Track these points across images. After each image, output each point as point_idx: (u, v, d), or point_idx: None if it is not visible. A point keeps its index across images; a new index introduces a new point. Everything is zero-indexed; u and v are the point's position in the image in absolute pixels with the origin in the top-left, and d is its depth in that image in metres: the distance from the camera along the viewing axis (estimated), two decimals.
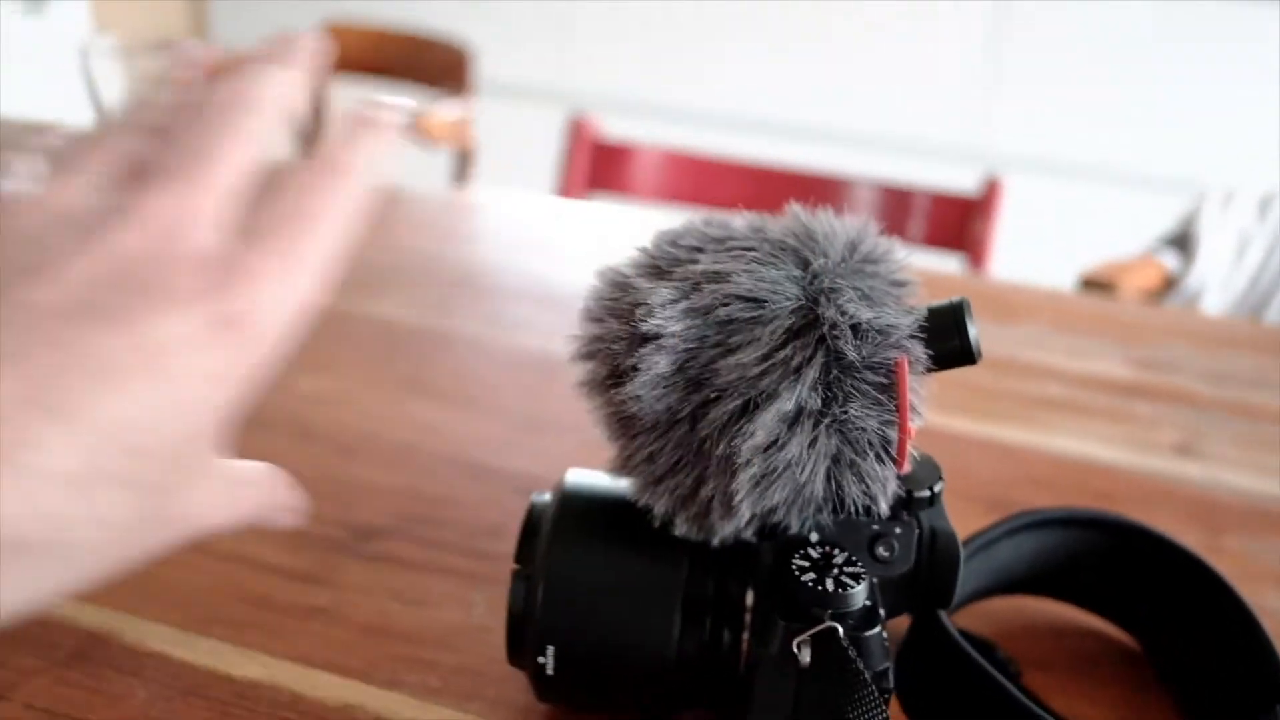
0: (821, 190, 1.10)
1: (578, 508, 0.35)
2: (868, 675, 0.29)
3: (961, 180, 1.19)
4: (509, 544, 0.47)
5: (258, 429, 0.55)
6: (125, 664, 0.39)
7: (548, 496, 0.37)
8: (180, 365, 0.23)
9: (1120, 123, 2.07)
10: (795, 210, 0.33)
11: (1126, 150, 2.08)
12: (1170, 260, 1.22)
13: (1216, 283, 1.18)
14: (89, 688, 0.37)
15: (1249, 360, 0.73)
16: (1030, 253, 1.58)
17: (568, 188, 1.15)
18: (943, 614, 0.35)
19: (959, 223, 1.06)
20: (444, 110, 1.49)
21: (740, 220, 0.34)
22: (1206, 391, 0.67)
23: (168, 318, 0.23)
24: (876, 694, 0.28)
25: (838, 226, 0.32)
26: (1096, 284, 1.08)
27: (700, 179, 1.14)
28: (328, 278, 0.26)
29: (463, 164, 1.57)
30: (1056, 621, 0.44)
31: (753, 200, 1.16)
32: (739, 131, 2.25)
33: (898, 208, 1.08)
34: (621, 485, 0.36)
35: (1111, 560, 0.42)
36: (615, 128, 1.20)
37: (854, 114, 2.21)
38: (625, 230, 0.89)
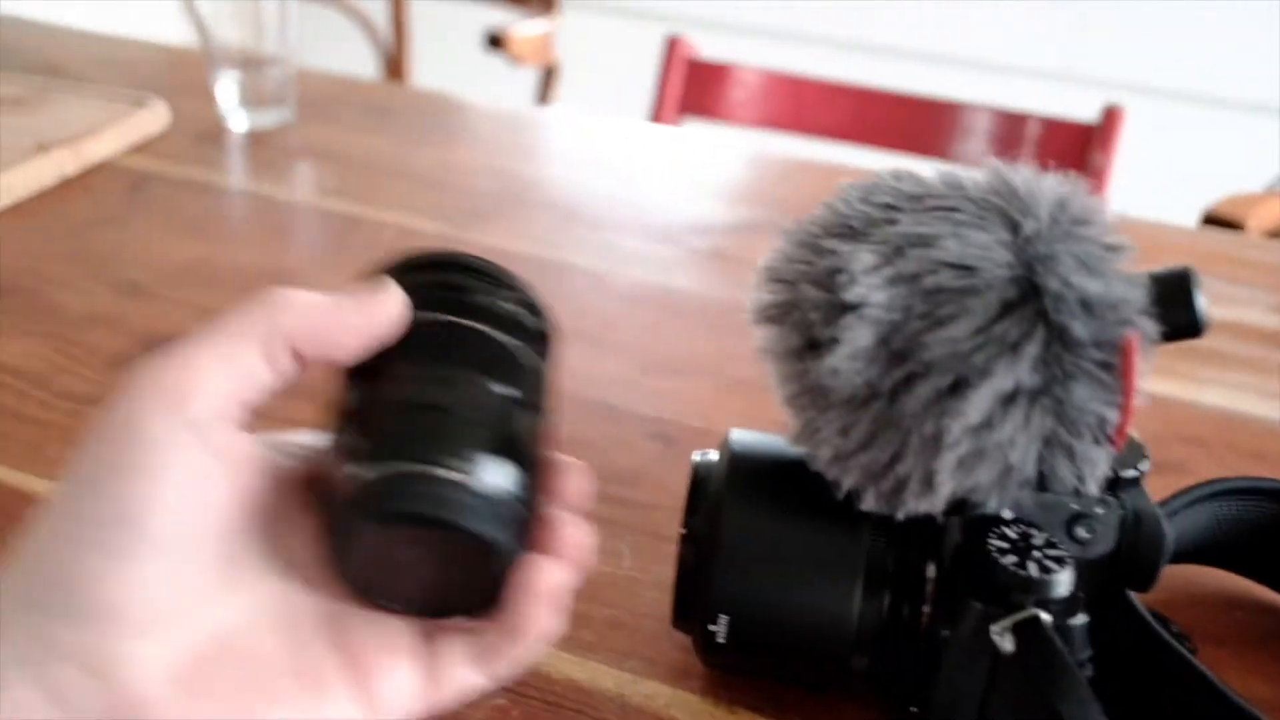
0: (931, 115, 1.06)
1: (748, 470, 0.34)
2: (1077, 669, 0.27)
3: (1062, 106, 1.13)
4: (649, 492, 0.47)
5: None
6: None
7: (712, 456, 0.36)
8: None
9: (1236, 48, 1.94)
10: (994, 164, 0.31)
11: (1246, 75, 1.95)
12: None
13: None
14: None
15: None
16: (1145, 185, 1.50)
17: (661, 111, 1.12)
18: (1132, 595, 0.34)
19: (1076, 152, 1.01)
20: (528, 26, 1.45)
21: (932, 174, 0.31)
22: None
23: None
24: (1088, 688, 0.27)
25: (1043, 183, 0.30)
26: (1221, 221, 1.02)
27: (801, 103, 1.10)
28: None
29: (546, 81, 1.54)
30: (1228, 593, 0.42)
31: (858, 127, 1.11)
32: (837, 51, 2.15)
33: (1010, 134, 1.03)
34: (787, 448, 0.35)
35: None
36: (705, 46, 1.15)
37: (960, 35, 2.10)
38: (731, 160, 0.86)
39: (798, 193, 0.81)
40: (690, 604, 0.33)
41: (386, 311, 0.27)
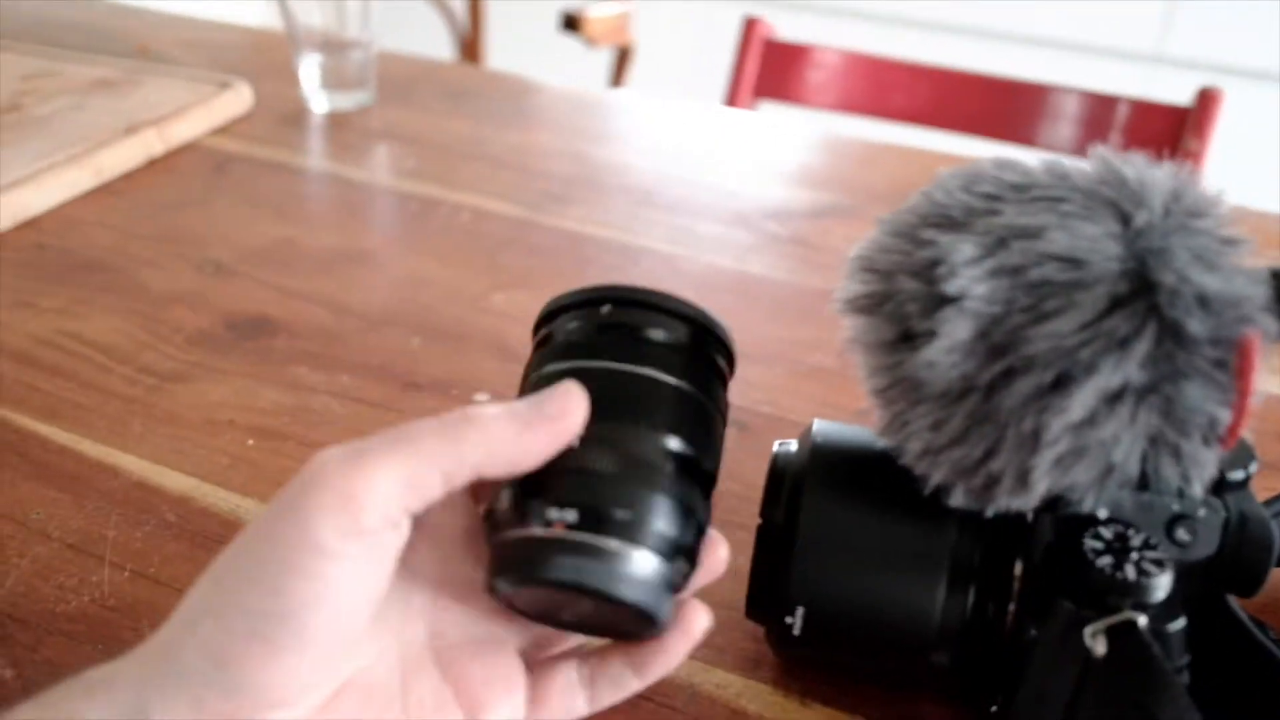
0: (1016, 98, 1.03)
1: (830, 461, 0.33)
2: (1174, 675, 0.26)
3: (1151, 89, 1.08)
4: (723, 479, 0.46)
5: (457, 347, 0.55)
6: None
7: (791, 446, 0.35)
8: None
9: None
10: (1102, 154, 0.30)
11: None
12: None
13: None
14: None
15: None
16: (1237, 170, 1.44)
17: (737, 93, 1.10)
18: (1232, 600, 0.32)
19: (1168, 137, 0.97)
20: (604, 7, 1.45)
21: (1037, 163, 0.30)
22: None
23: None
24: (1186, 695, 0.26)
25: (1155, 174, 0.29)
26: None
27: (881, 85, 1.07)
28: None
29: (621, 63, 1.53)
30: None
31: (940, 110, 1.08)
32: (918, 31, 2.10)
33: (1099, 118, 1.00)
34: (870, 439, 0.34)
35: None
36: (783, 26, 1.14)
37: (1047, 14, 2.03)
38: (807, 144, 0.85)
39: (876, 177, 0.79)
40: (765, 595, 0.33)
41: (569, 426, 0.28)
